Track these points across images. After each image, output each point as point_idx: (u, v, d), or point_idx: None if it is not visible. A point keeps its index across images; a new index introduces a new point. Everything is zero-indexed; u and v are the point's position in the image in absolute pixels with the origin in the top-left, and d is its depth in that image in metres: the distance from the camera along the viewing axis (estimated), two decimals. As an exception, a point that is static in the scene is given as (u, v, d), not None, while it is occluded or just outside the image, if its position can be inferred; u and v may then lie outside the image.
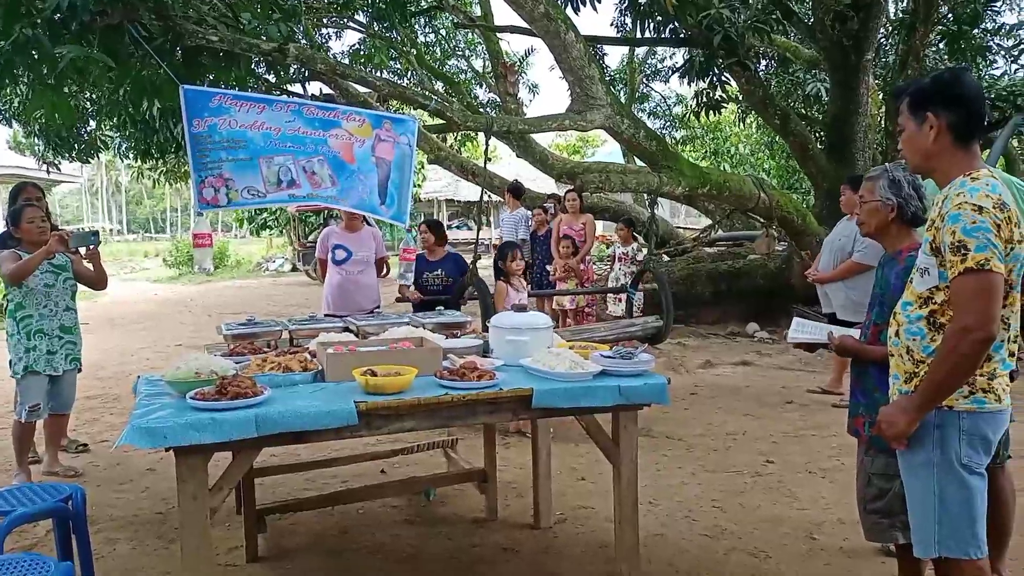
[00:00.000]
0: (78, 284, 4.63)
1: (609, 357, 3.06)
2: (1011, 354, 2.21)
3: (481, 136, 15.69)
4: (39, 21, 3.89)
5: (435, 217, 24.87)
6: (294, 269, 20.61)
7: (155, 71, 4.71)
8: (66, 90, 5.19)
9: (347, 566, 3.37)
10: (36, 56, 4.11)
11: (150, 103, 4.89)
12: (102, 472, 4.66)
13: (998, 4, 9.52)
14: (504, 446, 4.89)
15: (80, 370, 4.65)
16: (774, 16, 9.12)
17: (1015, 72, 9.79)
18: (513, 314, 3.40)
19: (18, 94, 8.80)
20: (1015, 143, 11.49)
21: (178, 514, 2.41)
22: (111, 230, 49.73)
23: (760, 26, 8.27)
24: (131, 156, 12.09)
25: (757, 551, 3.50)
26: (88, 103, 8.44)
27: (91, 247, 4.51)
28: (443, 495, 4.16)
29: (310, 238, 20.60)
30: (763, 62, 11.90)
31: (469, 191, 24.48)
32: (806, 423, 5.57)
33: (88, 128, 10.09)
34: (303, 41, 5.36)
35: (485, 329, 4.03)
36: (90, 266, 4.62)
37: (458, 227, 27.41)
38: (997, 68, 10.32)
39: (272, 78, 6.23)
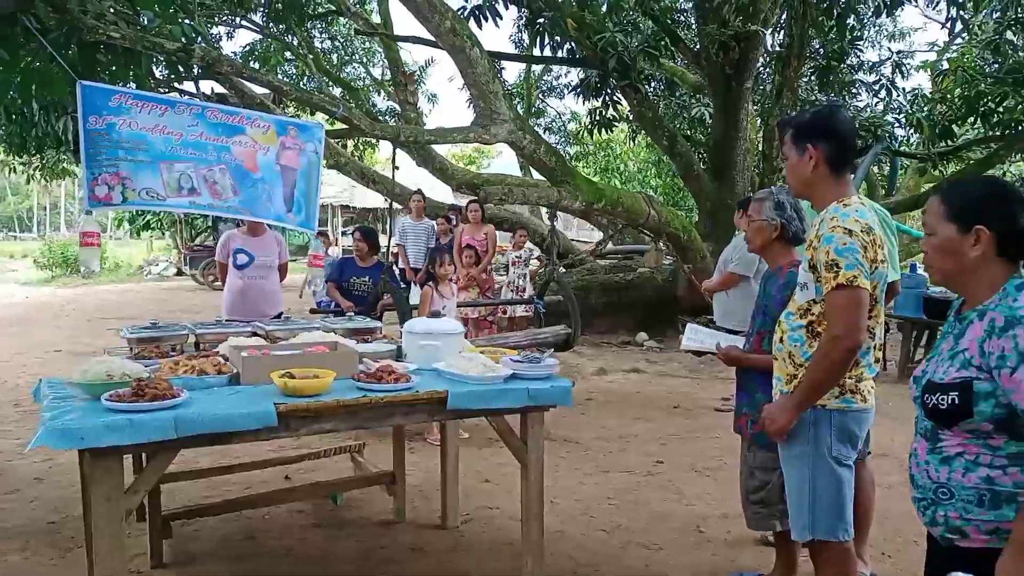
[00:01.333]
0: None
1: (518, 361, 3.23)
2: (876, 360, 2.53)
3: (380, 143, 15.65)
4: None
5: (328, 223, 24.49)
6: (179, 273, 19.77)
7: (46, 64, 4.52)
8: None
9: (254, 570, 3.37)
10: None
11: (40, 97, 4.68)
12: (-19, 483, 4.42)
13: (861, 43, 10.45)
14: (409, 451, 4.96)
15: None
16: (663, 42, 9.67)
17: (875, 105, 10.75)
18: (426, 320, 3.52)
19: None
20: (875, 170, 12.60)
21: (92, 517, 2.38)
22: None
23: (650, 51, 8.77)
24: (2, 150, 11.35)
25: (650, 544, 3.75)
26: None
27: None
28: (350, 499, 4.21)
29: (196, 241, 19.85)
30: (652, 84, 12.52)
31: (365, 198, 24.21)
32: (692, 426, 5.95)
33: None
34: (200, 42, 5.25)
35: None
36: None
37: (352, 234, 27.00)
38: (861, 100, 11.29)
39: (166, 74, 6.04)
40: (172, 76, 5.86)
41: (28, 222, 57.32)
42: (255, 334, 3.80)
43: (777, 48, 10.02)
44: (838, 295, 2.28)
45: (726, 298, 6.02)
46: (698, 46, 9.77)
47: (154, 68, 5.49)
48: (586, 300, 9.93)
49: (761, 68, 11.02)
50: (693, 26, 11.26)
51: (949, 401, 1.70)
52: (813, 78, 9.66)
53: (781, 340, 2.55)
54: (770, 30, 9.65)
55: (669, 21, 10.44)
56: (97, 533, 2.38)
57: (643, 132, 12.27)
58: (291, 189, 4.67)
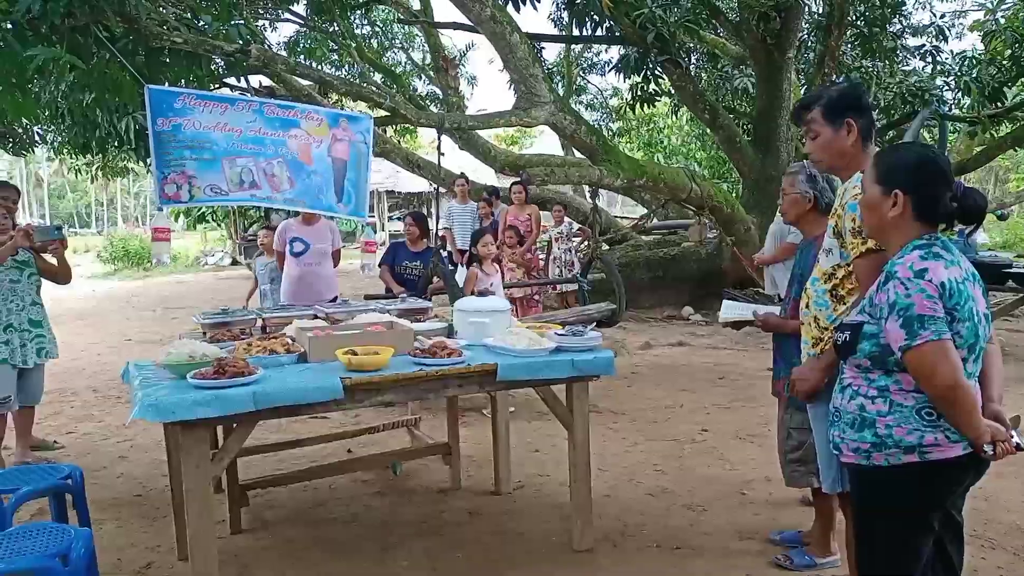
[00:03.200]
0: (42, 279, 4.74)
1: (562, 335, 3.42)
2: None
3: (421, 129, 15.88)
4: (8, 24, 3.99)
5: (375, 209, 24.92)
6: (234, 263, 20.41)
7: (116, 70, 4.83)
8: (30, 90, 5.26)
9: (325, 534, 3.65)
10: (3, 57, 4.21)
11: (110, 100, 5.00)
12: (74, 462, 4.79)
13: (906, 7, 10.25)
14: (463, 424, 5.21)
15: (55, 357, 4.77)
16: (703, 15, 9.65)
17: (923, 70, 10.56)
18: (475, 298, 3.73)
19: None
20: (924, 134, 12.37)
21: (184, 483, 2.65)
22: (33, 222, 47.79)
23: (690, 25, 8.77)
24: (66, 151, 11.92)
25: (695, 505, 3.92)
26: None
27: (56, 240, 4.64)
28: (409, 469, 4.47)
29: (249, 231, 20.43)
30: (693, 58, 12.45)
31: (410, 183, 24.57)
32: (737, 396, 6.07)
33: (26, 123, 9.93)
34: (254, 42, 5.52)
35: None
36: (53, 260, 4.74)
37: (399, 219, 27.48)
38: (908, 65, 11.09)
39: (223, 70, 6.33)
40: (228, 73, 6.15)
41: (87, 218, 59.30)
42: (316, 316, 4.06)
43: (818, 16, 9.91)
44: (866, 260, 2.40)
45: (783, 269, 6.10)
46: (738, 17, 9.72)
47: (215, 70, 5.77)
48: (631, 276, 10.06)
49: (803, 37, 10.90)
50: (732, -3, 11.19)
51: (843, 338, 2.05)
52: (856, 45, 9.53)
53: (807, 305, 2.68)
54: (811, -2, 9.56)
55: (708, -7, 10.40)
56: (188, 496, 2.66)
57: (685, 106, 12.27)
58: (341, 180, 4.91)
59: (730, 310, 3.60)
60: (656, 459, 4.63)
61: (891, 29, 9.60)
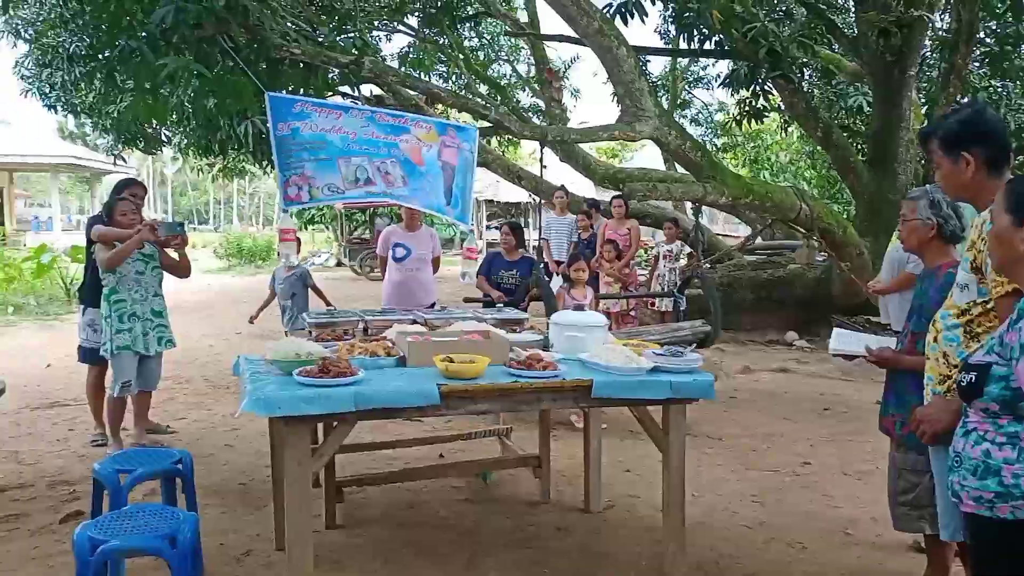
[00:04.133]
0: (164, 272, 5.03)
1: (661, 355, 3.34)
2: None
3: (522, 141, 16.02)
4: (143, 34, 4.29)
5: (474, 217, 25.25)
6: (339, 264, 21.14)
7: (238, 78, 5.09)
8: (159, 95, 5.63)
9: (415, 537, 3.70)
10: (138, 65, 4.52)
11: (231, 106, 5.28)
12: (184, 447, 5.04)
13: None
14: (553, 438, 5.18)
15: (175, 346, 5.05)
16: (818, 30, 9.32)
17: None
18: (573, 312, 3.70)
19: (92, 90, 9.32)
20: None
21: (285, 476, 2.74)
22: (156, 218, 51.00)
23: (804, 40, 8.48)
24: (190, 152, 12.68)
25: (794, 542, 3.75)
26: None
27: (178, 236, 4.92)
28: (498, 479, 4.48)
29: (355, 234, 21.15)
30: (806, 73, 12.05)
31: (509, 193, 24.79)
32: (842, 428, 5.78)
33: (154, 125, 10.62)
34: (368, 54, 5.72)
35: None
36: (175, 255, 5.03)
37: (496, 227, 27.77)
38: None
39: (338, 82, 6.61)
40: (341, 82, 6.40)
41: (205, 215, 62.77)
42: (415, 322, 4.14)
43: (943, 32, 9.39)
44: (1007, 301, 2.23)
45: (900, 299, 5.79)
46: (856, 33, 9.33)
47: (331, 80, 6.02)
48: (732, 297, 9.78)
49: (927, 53, 10.36)
50: (851, 11, 10.76)
51: (968, 380, 1.91)
52: (985, 64, 8.96)
53: (935, 340, 2.52)
54: (936, 13, 9.06)
55: (824, 7, 10.03)
56: (288, 490, 2.74)
57: (796, 123, 11.88)
58: (450, 184, 5.00)
59: (841, 341, 3.38)
60: (754, 489, 4.46)
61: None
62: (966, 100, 9.36)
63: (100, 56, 4.87)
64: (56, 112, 11.27)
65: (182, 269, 5.07)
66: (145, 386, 4.96)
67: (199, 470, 4.48)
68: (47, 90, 10.20)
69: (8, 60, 11.44)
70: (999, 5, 7.07)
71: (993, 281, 2.26)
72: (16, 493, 4.22)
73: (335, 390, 2.70)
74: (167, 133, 11.53)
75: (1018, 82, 9.52)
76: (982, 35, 8.45)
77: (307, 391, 2.69)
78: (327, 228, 23.36)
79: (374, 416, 2.83)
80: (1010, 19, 7.61)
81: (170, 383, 6.57)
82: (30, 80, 10.42)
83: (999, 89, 9.58)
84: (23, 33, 10.04)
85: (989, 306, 2.33)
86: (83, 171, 27.95)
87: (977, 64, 9.25)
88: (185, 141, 11.59)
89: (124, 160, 13.38)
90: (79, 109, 10.75)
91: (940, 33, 9.63)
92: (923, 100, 10.49)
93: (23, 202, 36.71)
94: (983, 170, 2.37)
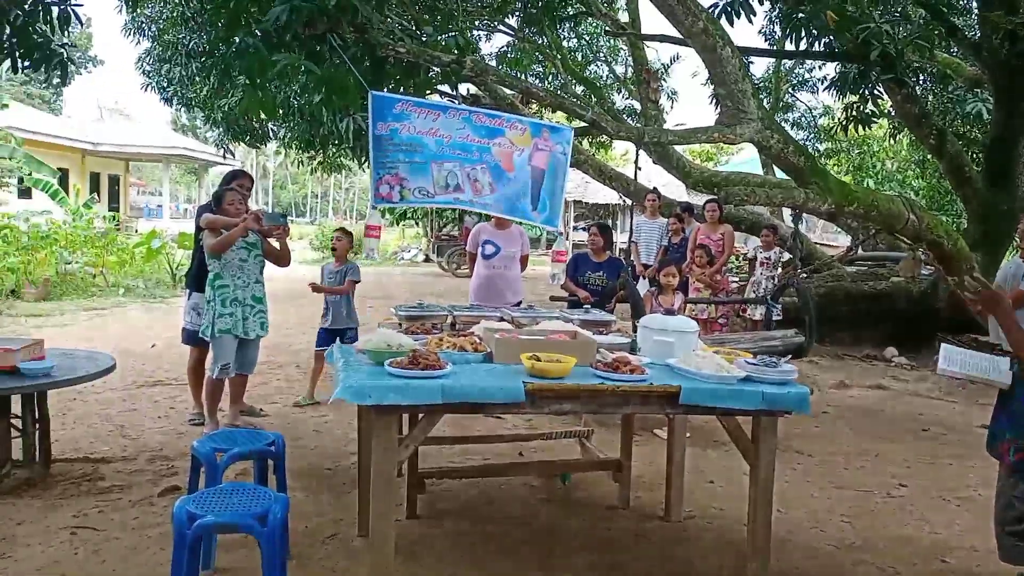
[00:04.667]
0: (265, 261, 5.24)
1: (754, 364, 3.25)
2: None
3: (614, 141, 15.89)
4: (258, 32, 4.49)
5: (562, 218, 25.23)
6: (427, 260, 21.53)
7: (344, 75, 5.24)
8: (268, 91, 5.87)
9: (492, 532, 3.72)
10: (252, 61, 4.73)
11: (336, 103, 5.45)
12: (274, 429, 5.25)
13: None
14: (635, 444, 5.12)
15: (267, 333, 5.27)
16: (937, 32, 8.84)
17: None
18: (662, 316, 3.64)
19: (206, 85, 9.82)
20: None
21: (372, 463, 2.81)
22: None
23: (921, 42, 8.06)
24: (293, 146, 13.18)
25: (886, 566, 3.58)
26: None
27: (280, 226, 5.12)
28: (577, 481, 4.46)
29: (444, 231, 21.49)
30: (920, 77, 11.46)
31: (597, 194, 24.66)
32: (943, 452, 5.48)
33: (262, 120, 11.08)
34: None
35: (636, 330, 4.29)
36: (277, 244, 5.23)
37: (584, 228, 27.71)
38: None
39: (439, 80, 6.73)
40: (442, 80, 6.52)
41: (303, 208, 65.05)
42: (503, 319, 4.16)
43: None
44: None
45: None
46: (978, 35, 8.81)
47: (432, 78, 6.14)
48: (829, 308, 9.38)
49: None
50: (974, 13, 10.16)
51: None
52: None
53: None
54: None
55: (944, 8, 9.51)
56: (375, 477, 2.81)
57: (906, 129, 11.31)
58: (538, 188, 5.00)
59: (953, 361, 3.17)
60: (843, 508, 4.28)
61: None
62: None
63: (216, 52, 5.11)
64: (171, 105, 11.94)
65: (283, 258, 5.27)
66: (243, 369, 5.18)
67: (289, 453, 4.65)
68: (165, 84, 10.84)
69: (131, 56, 12.16)
70: None
71: None
72: (120, 465, 4.49)
73: (424, 382, 2.75)
74: (272, 128, 12.03)
75: None
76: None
77: (397, 381, 2.74)
78: (417, 224, 23.81)
79: (460, 410, 2.87)
80: None
81: (264, 368, 6.84)
82: (150, 75, 11.09)
83: None
84: (147, 30, 10.68)
85: None
86: (192, 162, 29.49)
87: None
88: (289, 135, 12.08)
89: (232, 153, 14.00)
90: (193, 103, 11.36)
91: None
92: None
93: (136, 190, 39.00)
94: None
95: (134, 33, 10.72)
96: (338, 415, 5.55)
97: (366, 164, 10.67)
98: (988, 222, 8.88)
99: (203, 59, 7.68)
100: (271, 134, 12.11)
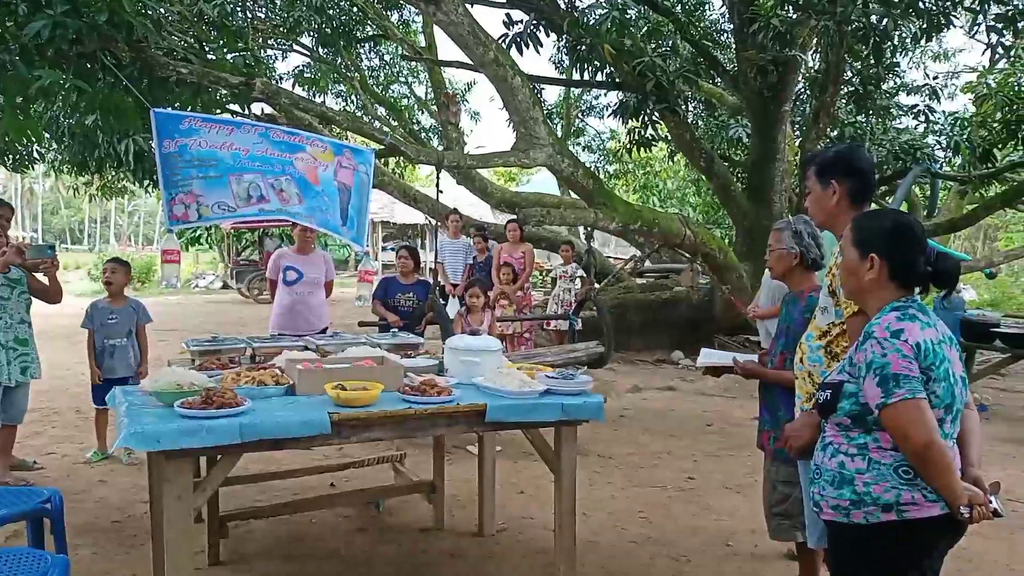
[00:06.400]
0: (32, 298, 4.72)
1: (553, 378, 3.42)
2: None
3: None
4: (15, 47, 4.04)
5: (369, 238, 24.96)
6: (225, 286, 20.36)
7: (120, 95, 4.88)
8: (32, 111, 5.30)
9: (304, 570, 3.60)
10: (9, 79, 4.25)
11: (114, 125, 5.04)
12: (52, 484, 4.72)
13: (900, 67, 10.47)
14: (448, 462, 5.17)
15: (38, 377, 4.73)
16: (702, 65, 9.83)
17: (915, 128, 10.74)
18: (467, 337, 3.73)
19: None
20: (916, 191, 12.54)
21: (164, 512, 2.62)
22: (25, 239, 47.65)
23: (688, 74, 8.93)
24: (64, 170, 11.97)
25: (679, 556, 3.90)
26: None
27: (47, 260, 4.62)
28: (391, 506, 4.43)
29: (243, 255, 20.45)
30: (691, 105, 12.65)
31: (404, 214, 24.70)
32: (725, 444, 6.06)
33: (25, 143, 9.98)
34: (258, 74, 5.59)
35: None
36: (45, 280, 4.73)
37: (392, 249, 27.60)
38: (900, 123, 11.28)
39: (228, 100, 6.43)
40: (232, 100, 6.23)
41: (79, 234, 59.17)
42: (307, 348, 4.06)
43: (815, 72, 10.10)
44: (858, 320, 2.44)
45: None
46: (736, 69, 9.91)
47: (219, 99, 5.85)
48: (622, 318, 10.07)
49: (800, 91, 11.10)
50: (731, 48, 11.40)
51: (825, 397, 2.09)
52: (851, 101, 9.72)
53: (801, 360, 2.70)
54: (809, 54, 9.73)
55: (708, 44, 10.60)
56: (168, 527, 2.62)
57: (681, 152, 12.42)
58: (346, 205, 4.93)
59: (708, 356, 3.66)
60: (641, 506, 4.60)
61: (885, 87, 9.77)
62: (834, 134, 10.08)
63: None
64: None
65: (53, 294, 4.78)
66: (9, 420, 4.63)
67: (70, 508, 4.19)
68: None
69: None
70: (862, 48, 7.69)
71: (844, 303, 2.47)
72: None
73: (219, 422, 2.61)
74: (39, 150, 10.87)
75: (880, 118, 10.34)
76: (848, 75, 9.14)
77: (189, 423, 2.59)
78: (212, 248, 22.46)
79: (261, 448, 2.75)
80: (872, 62, 8.28)
81: (38, 415, 6.15)
82: None
83: (864, 124, 10.37)
84: None
85: (845, 327, 2.53)
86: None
87: (844, 101, 9.98)
88: (59, 158, 10.98)
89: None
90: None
91: (812, 72, 10.34)
92: (797, 134, 11.22)
93: None
94: (846, 200, 2.60)
95: None
96: (124, 463, 5.10)
97: (151, 187, 9.94)
98: (752, 235, 9.97)
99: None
100: (37, 156, 10.92)
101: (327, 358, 3.65)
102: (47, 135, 8.62)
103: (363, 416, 2.87)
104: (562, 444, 3.31)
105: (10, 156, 10.29)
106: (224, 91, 5.28)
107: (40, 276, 4.70)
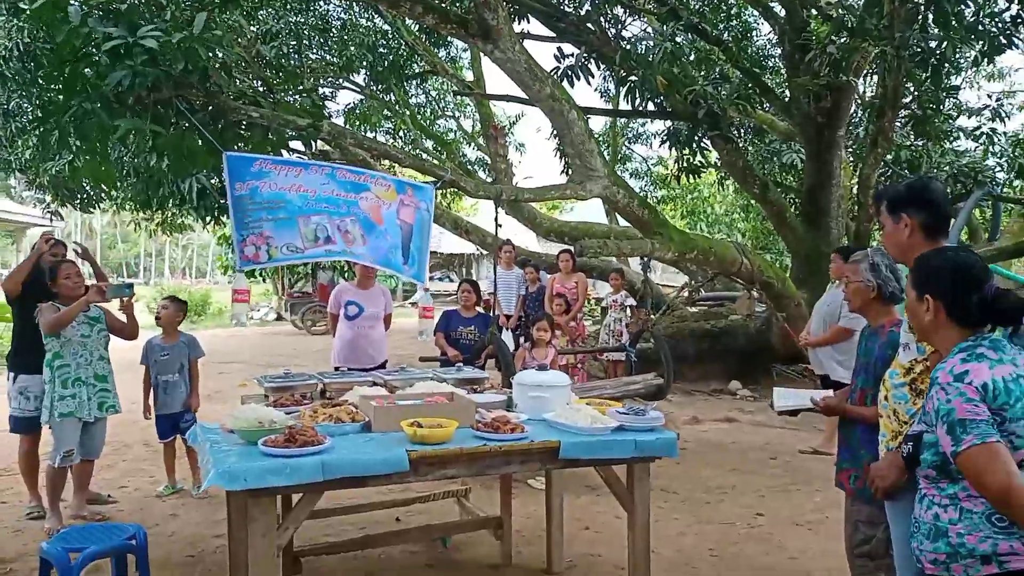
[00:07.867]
0: (110, 334, 4.88)
1: (624, 413, 3.40)
2: None
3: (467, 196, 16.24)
4: (96, 96, 4.24)
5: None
6: (279, 318, 20.74)
7: (192, 139, 5.06)
8: (110, 156, 5.54)
9: (376, 606, 3.61)
10: (91, 127, 4.45)
11: (187, 167, 5.24)
12: (126, 517, 4.84)
13: (958, 93, 10.26)
14: (513, 496, 5.15)
15: (119, 412, 4.86)
16: (753, 92, 9.78)
17: (975, 150, 10.50)
18: (536, 372, 3.74)
19: (29, 146, 9.09)
20: (977, 214, 12.22)
21: (249, 550, 2.66)
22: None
23: (740, 101, 8.89)
24: (128, 207, 12.40)
25: (753, 596, 3.80)
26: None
27: (126, 299, 4.78)
28: (457, 542, 4.42)
29: (295, 288, 20.84)
30: (742, 132, 12.58)
31: (451, 244, 24.91)
32: (791, 479, 5.92)
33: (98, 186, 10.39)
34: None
35: (506, 385, 4.35)
36: (123, 317, 4.89)
37: (440, 279, 27.84)
38: (960, 145, 11.04)
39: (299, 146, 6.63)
40: (294, 138, 6.42)
41: (135, 268, 60.97)
42: (375, 383, 4.11)
43: (871, 97, 9.97)
44: (938, 356, 2.37)
45: (831, 351, 6.02)
46: (788, 96, 9.83)
47: (287, 141, 6.03)
48: (677, 347, 9.93)
49: (855, 115, 10.96)
50: (781, 74, 11.33)
51: (907, 450, 2.09)
52: (908, 126, 9.54)
53: (886, 398, 2.64)
54: (863, 78, 9.62)
55: (759, 71, 10.55)
56: (253, 565, 2.67)
57: (733, 179, 12.33)
58: (407, 243, 5.02)
59: (784, 398, 3.53)
60: (711, 543, 4.51)
61: (944, 109, 9.59)
62: (890, 158, 9.90)
63: (46, 115, 4.76)
64: (-14, 168, 10.91)
65: (129, 331, 4.94)
66: (87, 454, 4.77)
67: (146, 542, 4.31)
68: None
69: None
70: (920, 73, 7.57)
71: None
72: (-56, 573, 3.98)
73: (302, 460, 2.66)
74: (105, 189, 11.28)
75: (938, 142, 10.14)
76: (906, 99, 8.99)
77: (273, 462, 2.64)
78: (265, 281, 22.94)
79: (343, 485, 2.79)
80: (931, 86, 8.15)
81: (108, 449, 6.25)
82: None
83: (921, 149, 10.17)
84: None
85: (929, 364, 2.46)
86: (8, 224, 26.89)
87: (900, 124, 9.82)
88: (123, 196, 11.37)
89: (61, 217, 12.97)
90: (13, 166, 10.45)
91: (867, 97, 10.20)
92: (852, 159, 11.05)
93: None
94: (919, 234, 2.55)
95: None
96: (194, 496, 5.19)
97: (212, 224, 10.23)
98: (809, 262, 9.81)
99: (29, 121, 7.09)
100: (104, 196, 11.34)
101: (397, 394, 3.69)
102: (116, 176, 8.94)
103: (440, 453, 2.90)
104: (635, 482, 3.28)
105: (79, 196, 10.69)
106: (291, 132, 5.45)
107: (118, 314, 4.86)
